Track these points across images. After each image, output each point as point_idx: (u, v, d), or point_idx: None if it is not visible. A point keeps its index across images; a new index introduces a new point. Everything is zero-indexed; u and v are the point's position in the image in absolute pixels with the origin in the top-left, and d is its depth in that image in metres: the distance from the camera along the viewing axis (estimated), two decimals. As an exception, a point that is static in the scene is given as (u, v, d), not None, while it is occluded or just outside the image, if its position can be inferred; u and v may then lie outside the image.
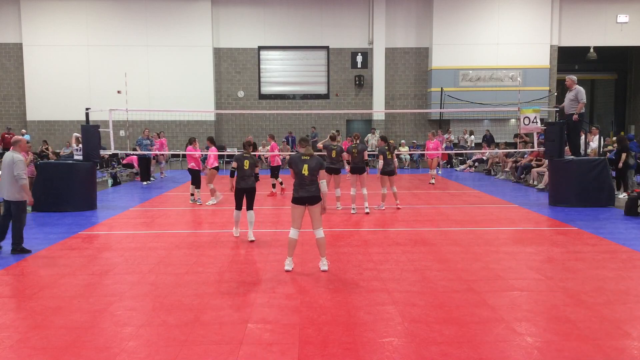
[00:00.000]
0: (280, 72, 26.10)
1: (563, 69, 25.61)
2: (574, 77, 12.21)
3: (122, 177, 18.36)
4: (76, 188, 11.92)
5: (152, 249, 8.18)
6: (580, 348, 4.52)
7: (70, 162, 12.72)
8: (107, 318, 5.27)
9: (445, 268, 6.96)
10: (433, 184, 16.12)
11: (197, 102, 24.69)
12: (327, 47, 25.84)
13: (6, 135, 22.35)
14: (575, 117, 11.91)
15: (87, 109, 13.30)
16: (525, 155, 17.07)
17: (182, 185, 16.64)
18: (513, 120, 25.37)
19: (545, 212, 11.31)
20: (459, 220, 10.42)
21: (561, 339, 4.72)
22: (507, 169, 18.22)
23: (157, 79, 25.05)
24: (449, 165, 22.73)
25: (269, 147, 15.24)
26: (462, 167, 21.77)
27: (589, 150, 13.94)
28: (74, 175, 11.94)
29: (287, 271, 6.82)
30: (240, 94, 25.96)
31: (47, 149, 21.15)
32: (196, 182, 12.84)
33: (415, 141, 24.93)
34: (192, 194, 12.98)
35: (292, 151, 19.12)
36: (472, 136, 23.99)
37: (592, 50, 25.68)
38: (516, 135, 18.66)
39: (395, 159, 11.87)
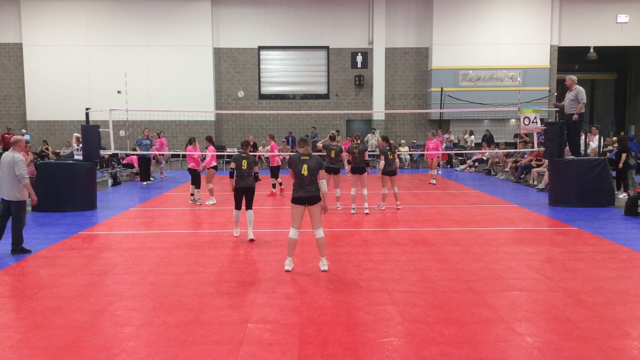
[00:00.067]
0: (280, 72, 26.10)
1: (563, 69, 25.61)
2: (574, 77, 12.20)
3: (122, 177, 18.36)
4: (76, 188, 11.92)
5: (152, 249, 8.18)
6: (580, 348, 4.51)
7: (70, 162, 12.72)
8: (107, 318, 5.27)
9: (445, 268, 6.96)
10: (434, 184, 16.12)
11: (197, 102, 24.70)
12: (327, 47, 25.84)
13: (6, 135, 22.34)
14: (575, 117, 11.90)
15: (87, 109, 13.30)
16: (525, 155, 17.07)
17: (182, 185, 16.64)
18: (513, 120, 25.37)
19: (545, 212, 11.31)
20: (459, 220, 10.42)
21: (561, 339, 4.72)
22: (507, 169, 18.22)
23: (157, 79, 25.06)
24: (449, 165, 22.73)
25: (269, 147, 15.24)
26: (462, 167, 21.77)
27: (589, 150, 13.94)
28: (74, 175, 11.94)
29: (287, 271, 6.82)
30: (240, 94, 25.96)
31: (47, 149, 21.16)
32: (196, 182, 12.85)
33: (415, 141, 24.92)
34: (192, 194, 12.98)
35: (292, 151, 19.12)
36: (472, 136, 23.99)
37: (592, 50, 25.68)
38: (516, 135, 18.66)
39: (397, 159, 11.87)
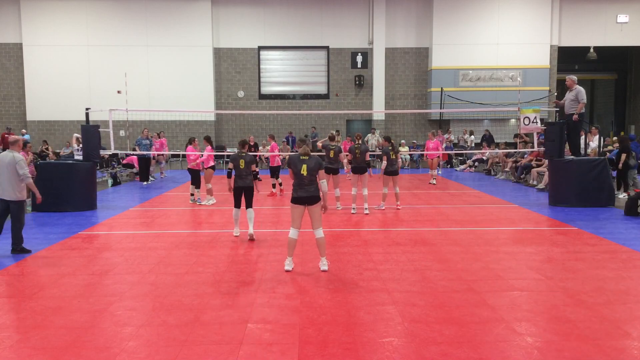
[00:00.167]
0: (280, 72, 26.10)
1: (563, 69, 25.62)
2: (575, 77, 12.20)
3: (122, 177, 18.36)
4: (76, 188, 11.92)
5: (152, 249, 8.18)
6: (580, 348, 4.51)
7: (70, 162, 12.72)
8: (107, 318, 5.27)
9: (445, 268, 6.96)
10: (434, 184, 16.12)
11: (197, 102, 24.70)
12: (327, 47, 25.84)
13: (6, 135, 22.33)
14: (575, 117, 11.90)
15: (87, 109, 13.30)
16: (525, 155, 17.07)
17: (182, 185, 16.64)
18: (513, 120, 25.37)
19: (545, 212, 11.31)
20: (459, 220, 10.42)
21: (561, 339, 4.72)
22: (507, 169, 18.22)
23: (157, 79, 25.06)
24: (449, 165, 22.73)
25: (269, 147, 15.25)
26: (462, 167, 21.77)
27: (589, 150, 13.94)
28: (74, 175, 11.94)
29: (287, 271, 6.82)
30: (240, 94, 25.96)
31: (47, 149, 21.15)
32: (196, 182, 12.85)
33: (415, 141, 24.93)
34: (192, 194, 12.99)
35: (292, 151, 19.12)
36: (472, 136, 23.99)
37: (592, 50, 25.68)
38: (516, 135, 18.65)
39: (400, 159, 11.88)
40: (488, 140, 21.78)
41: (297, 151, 7.14)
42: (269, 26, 25.55)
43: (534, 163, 16.07)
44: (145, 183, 17.11)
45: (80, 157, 12.76)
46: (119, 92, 17.51)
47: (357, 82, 25.83)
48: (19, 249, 7.88)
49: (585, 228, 9.46)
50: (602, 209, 11.37)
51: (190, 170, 12.88)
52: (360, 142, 11.47)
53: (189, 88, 24.89)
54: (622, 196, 12.72)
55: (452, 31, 25.08)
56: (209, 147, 12.74)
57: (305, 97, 26.17)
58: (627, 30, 25.39)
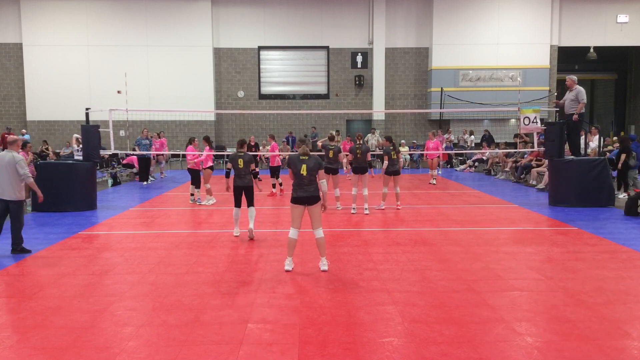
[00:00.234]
0: (280, 72, 26.10)
1: (563, 69, 25.62)
2: (575, 77, 12.20)
3: (122, 177, 18.36)
4: (76, 188, 11.92)
5: (152, 249, 8.18)
6: (580, 348, 4.51)
7: (70, 162, 12.72)
8: (107, 318, 5.27)
9: (445, 268, 6.96)
10: (434, 184, 16.12)
11: (197, 102, 24.70)
12: (327, 47, 25.84)
13: (6, 136, 22.34)
14: (575, 117, 11.90)
15: (87, 109, 13.30)
16: (525, 155, 17.07)
17: (182, 185, 16.64)
18: (513, 120, 25.37)
19: (545, 212, 11.31)
20: (459, 220, 10.42)
21: (561, 339, 4.72)
22: (507, 169, 18.22)
23: (157, 79, 25.06)
24: (449, 165, 22.73)
25: (269, 147, 15.25)
26: (462, 167, 21.77)
27: (589, 150, 13.94)
28: (74, 175, 11.94)
29: (287, 271, 6.82)
30: (240, 94, 25.96)
31: (47, 149, 21.15)
32: (196, 182, 12.86)
33: (415, 141, 24.93)
34: (192, 194, 12.99)
35: (293, 151, 19.12)
36: (472, 136, 23.99)
37: (592, 50, 25.68)
38: (516, 135, 18.65)
39: (401, 159, 11.88)
40: (488, 140, 21.78)
41: (297, 151, 7.14)
42: (269, 26, 25.55)
43: (534, 163, 16.07)
44: (145, 183, 17.11)
45: (80, 157, 12.76)
46: (119, 92, 17.51)
47: (357, 82, 25.83)
48: (19, 249, 7.88)
49: (585, 228, 9.46)
50: (602, 209, 11.37)
51: (190, 170, 12.88)
52: (361, 142, 11.47)
53: (189, 88, 24.88)
54: (622, 196, 12.72)
55: (452, 31, 25.08)
56: (208, 147, 12.76)
57: (305, 97, 26.17)
58: (627, 30, 25.39)
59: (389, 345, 4.60)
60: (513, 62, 25.17)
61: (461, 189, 15.50)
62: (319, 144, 16.43)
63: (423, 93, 26.26)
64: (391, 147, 11.51)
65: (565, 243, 8.37)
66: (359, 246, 8.25)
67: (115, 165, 18.53)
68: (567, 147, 12.56)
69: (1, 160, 7.82)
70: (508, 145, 20.49)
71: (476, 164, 21.43)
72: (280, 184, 14.26)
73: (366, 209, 11.11)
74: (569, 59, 26.49)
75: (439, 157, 17.70)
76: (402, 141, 23.16)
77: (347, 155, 12.54)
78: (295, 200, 6.79)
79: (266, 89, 26.13)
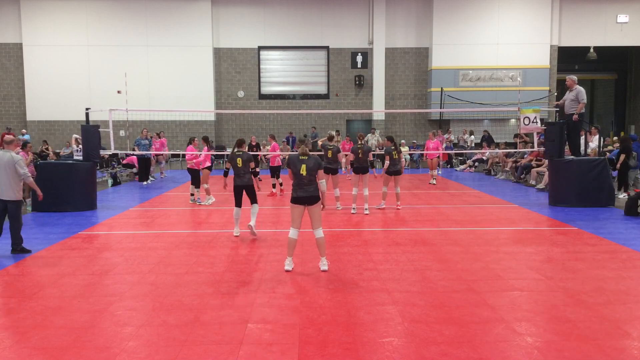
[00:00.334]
0: (280, 72, 26.10)
1: (563, 69, 25.61)
2: (575, 77, 12.20)
3: (122, 177, 18.36)
4: (76, 188, 11.91)
5: (152, 249, 8.18)
6: (580, 348, 4.51)
7: (70, 162, 12.73)
8: (107, 318, 5.27)
9: (445, 268, 6.96)
10: (434, 184, 16.12)
11: (197, 102, 24.70)
12: (327, 47, 25.84)
13: (6, 135, 22.35)
14: (575, 117, 11.90)
15: (87, 109, 13.30)
16: (525, 155, 17.07)
17: (182, 185, 16.64)
18: (513, 120, 25.37)
19: (545, 212, 11.31)
20: (459, 220, 10.42)
21: (561, 339, 4.72)
22: (507, 169, 18.22)
23: (157, 79, 25.06)
24: (449, 165, 22.73)
25: (269, 147, 15.25)
26: (462, 167, 21.77)
27: (589, 150, 13.93)
28: (74, 175, 11.94)
29: (287, 271, 6.82)
30: (240, 94, 25.96)
31: (47, 149, 21.14)
32: (196, 182, 12.86)
33: (415, 141, 24.93)
34: (192, 194, 12.99)
35: (293, 151, 19.12)
36: (472, 136, 23.99)
37: (592, 50, 25.67)
38: (516, 135, 18.65)
39: (403, 159, 11.88)
40: (487, 140, 21.78)
41: (296, 151, 7.15)
42: (269, 26, 25.55)
43: (534, 163, 16.07)
44: (145, 183, 17.11)
45: (80, 157, 12.76)
46: (119, 92, 17.50)
47: (357, 82, 25.83)
48: (18, 249, 7.88)
49: (585, 228, 9.46)
50: (602, 209, 11.37)
51: (189, 170, 12.88)
52: (362, 142, 11.47)
53: (189, 88, 24.88)
54: (622, 196, 12.71)
55: (452, 31, 25.08)
56: (206, 147, 12.78)
57: (305, 97, 26.17)
58: (627, 30, 25.38)
59: (389, 345, 4.60)
60: (513, 62, 25.17)
61: (461, 189, 15.50)
62: (320, 143, 16.45)
63: (423, 93, 26.26)
64: (393, 147, 11.50)
65: (565, 243, 8.37)
66: (359, 246, 8.25)
67: (115, 165, 18.53)
68: (567, 147, 12.57)
69: (0, 160, 7.82)
70: (508, 145, 20.49)
71: (476, 164, 21.44)
72: (281, 184, 14.26)
73: (366, 209, 11.10)
74: (569, 59, 26.49)
75: (439, 157, 17.70)
76: (402, 141, 23.13)
77: (347, 155, 12.53)
78: (295, 200, 6.79)
79: (266, 89, 26.13)
